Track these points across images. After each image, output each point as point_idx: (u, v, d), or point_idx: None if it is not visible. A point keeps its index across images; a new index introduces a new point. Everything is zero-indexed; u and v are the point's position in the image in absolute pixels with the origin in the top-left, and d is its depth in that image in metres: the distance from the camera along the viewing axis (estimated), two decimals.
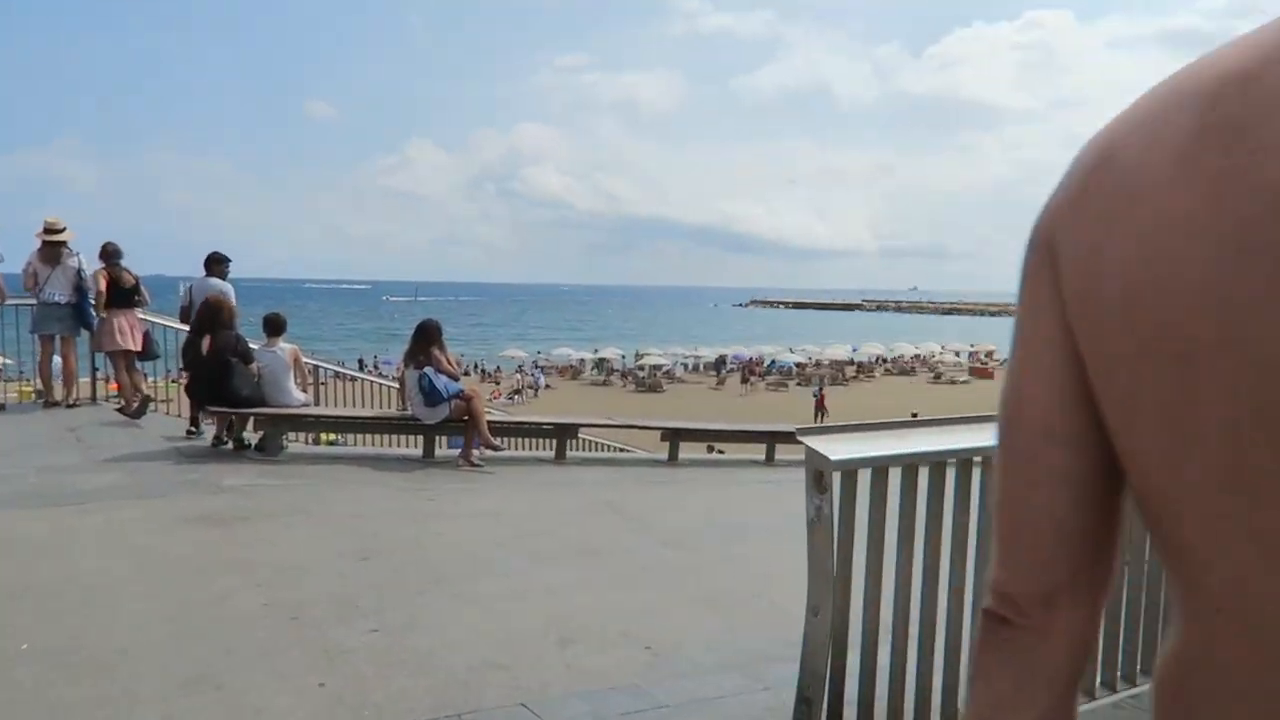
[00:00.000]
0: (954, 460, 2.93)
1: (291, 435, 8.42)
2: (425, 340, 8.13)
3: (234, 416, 7.72)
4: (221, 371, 7.34)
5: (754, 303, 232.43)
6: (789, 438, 10.75)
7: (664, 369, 56.30)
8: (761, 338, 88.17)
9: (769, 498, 8.31)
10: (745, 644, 4.11)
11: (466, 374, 58.37)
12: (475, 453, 8.14)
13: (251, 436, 7.91)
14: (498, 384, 50.36)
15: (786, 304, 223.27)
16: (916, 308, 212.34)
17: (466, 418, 8.07)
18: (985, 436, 3.08)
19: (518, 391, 44.81)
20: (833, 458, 2.66)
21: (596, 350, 63.93)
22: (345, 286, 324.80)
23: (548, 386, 47.05)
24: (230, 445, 7.84)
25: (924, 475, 2.90)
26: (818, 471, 2.71)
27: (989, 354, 72.27)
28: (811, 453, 2.72)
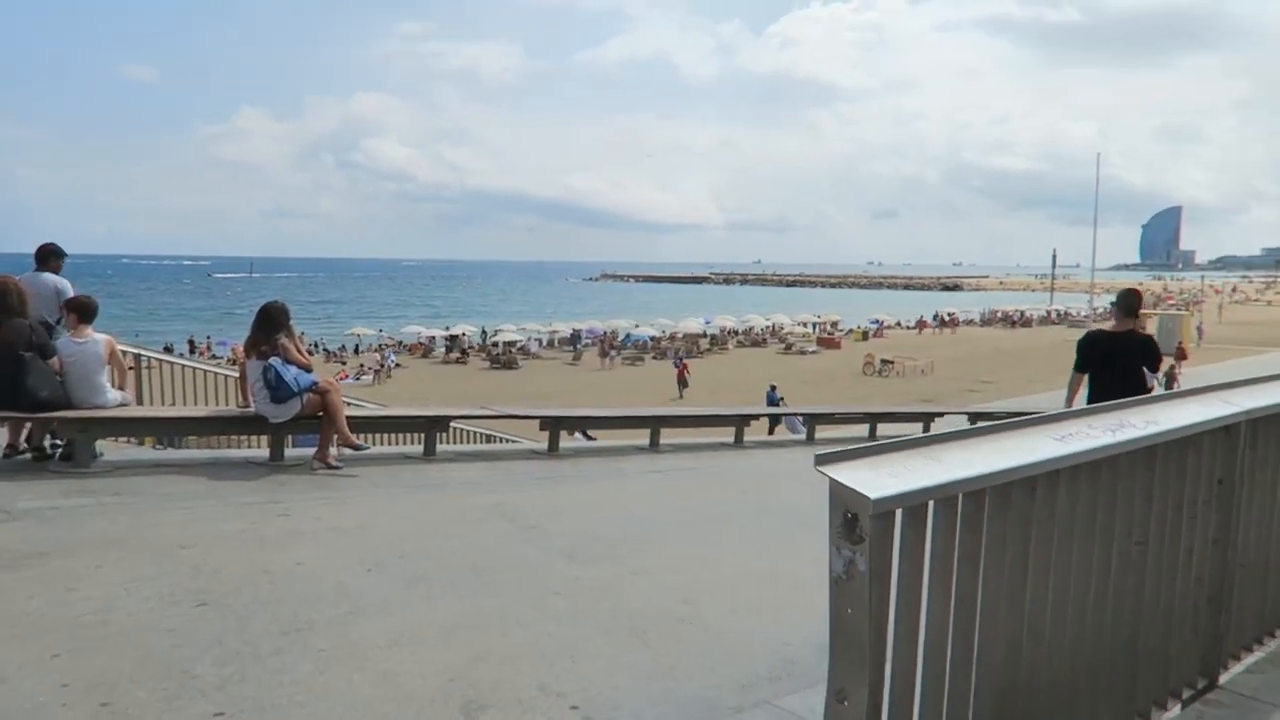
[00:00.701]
0: (999, 482, 2.31)
1: (111, 439, 7.14)
2: (270, 326, 7.00)
3: (31, 422, 6.40)
4: (12, 369, 6.01)
5: (605, 276, 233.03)
6: (674, 421, 10.18)
7: (518, 345, 55.17)
8: (614, 312, 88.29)
9: (661, 490, 7.69)
10: (688, 689, 3.43)
11: (310, 352, 55.57)
12: (333, 452, 7.12)
13: (57, 443, 6.61)
14: (343, 364, 48.06)
15: (637, 278, 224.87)
16: (761, 280, 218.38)
17: (322, 414, 7.03)
18: (1039, 445, 2.48)
19: (377, 370, 42.72)
20: (872, 495, 1.95)
21: (448, 328, 62.07)
22: (172, 262, 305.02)
23: (398, 365, 45.08)
24: (29, 455, 6.52)
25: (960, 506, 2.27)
26: (849, 515, 2.00)
27: (834, 325, 74.80)
28: (840, 489, 2.00)
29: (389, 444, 8.72)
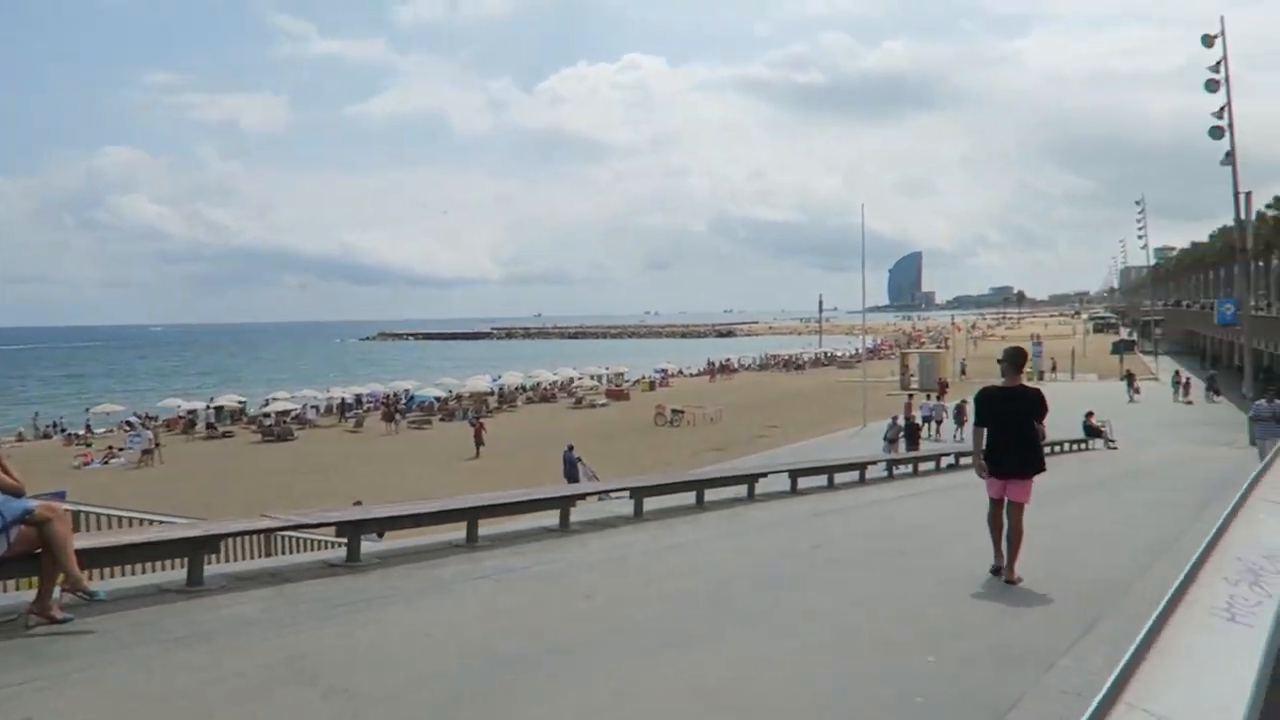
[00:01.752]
0: None
1: None
2: None
3: None
4: None
5: (382, 335, 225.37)
6: (493, 511, 8.91)
7: (293, 414, 51.42)
8: (396, 372, 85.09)
9: (492, 608, 6.33)
10: None
11: (46, 437, 49.22)
12: (57, 597, 5.41)
13: None
14: (89, 446, 42.76)
15: (416, 335, 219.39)
16: (543, 333, 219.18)
17: (40, 550, 5.31)
18: None
19: (147, 451, 38.09)
20: None
21: (211, 400, 56.95)
22: None
23: (159, 445, 40.12)
24: None
25: None
26: None
27: (620, 376, 75.37)
28: None
29: (141, 573, 6.96)
